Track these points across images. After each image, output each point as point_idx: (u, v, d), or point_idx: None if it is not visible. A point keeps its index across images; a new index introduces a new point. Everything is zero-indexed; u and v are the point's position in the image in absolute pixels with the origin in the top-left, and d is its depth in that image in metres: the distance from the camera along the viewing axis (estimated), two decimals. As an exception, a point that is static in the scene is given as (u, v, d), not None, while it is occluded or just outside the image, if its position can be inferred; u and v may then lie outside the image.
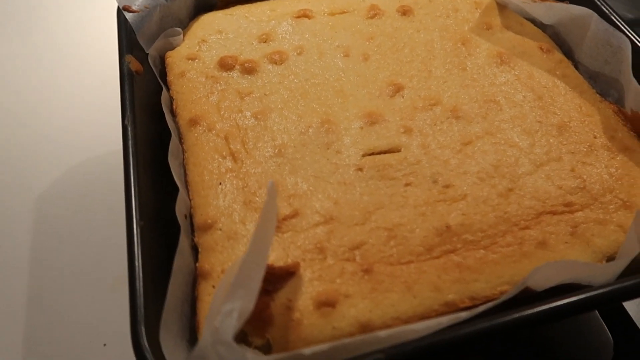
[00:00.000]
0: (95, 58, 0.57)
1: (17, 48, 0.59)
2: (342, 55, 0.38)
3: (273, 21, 0.40)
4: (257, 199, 0.30)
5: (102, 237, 0.44)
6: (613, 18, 0.35)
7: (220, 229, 0.29)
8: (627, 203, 0.29)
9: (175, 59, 0.38)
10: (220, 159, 0.32)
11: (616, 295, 0.25)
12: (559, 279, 0.25)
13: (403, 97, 0.35)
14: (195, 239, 0.29)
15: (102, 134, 0.51)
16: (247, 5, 0.42)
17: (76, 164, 0.49)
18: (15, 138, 0.51)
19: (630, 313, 0.34)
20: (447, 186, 0.31)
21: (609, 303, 0.25)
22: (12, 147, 0.50)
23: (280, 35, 0.39)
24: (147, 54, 0.38)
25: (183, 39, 0.40)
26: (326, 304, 0.26)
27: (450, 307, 0.26)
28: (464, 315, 0.24)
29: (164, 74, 0.38)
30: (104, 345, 0.37)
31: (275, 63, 0.37)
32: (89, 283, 0.41)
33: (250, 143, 0.33)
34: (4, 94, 0.55)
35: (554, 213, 0.29)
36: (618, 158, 0.31)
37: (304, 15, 0.40)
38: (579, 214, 0.29)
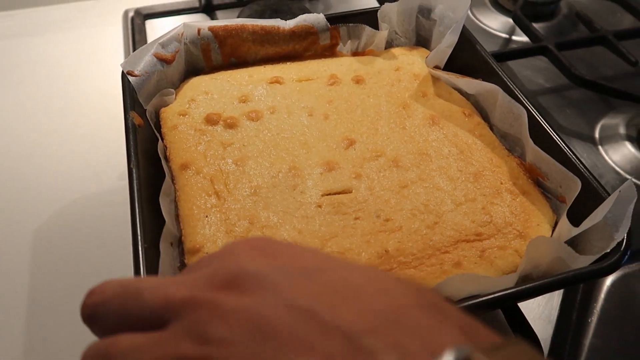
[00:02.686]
0: (95, 110, 0.64)
1: (25, 97, 0.65)
2: (307, 114, 0.46)
3: (251, 85, 0.49)
4: (236, 229, 0.38)
5: (96, 267, 0.49)
6: (515, 91, 0.45)
7: (206, 252, 0.36)
8: (522, 233, 0.38)
9: (169, 114, 0.46)
10: (206, 197, 0.40)
11: (511, 296, 0.33)
12: (467, 289, 0.33)
13: (355, 150, 0.44)
14: (185, 261, 0.37)
15: (95, 175, 0.57)
16: (229, 72, 0.50)
17: (71, 201, 0.55)
18: (17, 176, 0.57)
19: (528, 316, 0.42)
20: (387, 220, 0.39)
21: (504, 303, 0.33)
22: (13, 184, 0.56)
23: (256, 97, 0.48)
24: (145, 110, 0.46)
25: (175, 98, 0.47)
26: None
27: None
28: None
29: (158, 126, 0.46)
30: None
31: (252, 120, 0.46)
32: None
33: (231, 184, 0.41)
34: (11, 134, 0.61)
35: (467, 241, 0.38)
36: (518, 199, 0.41)
37: (276, 81, 0.49)
38: (486, 241, 0.38)
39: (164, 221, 0.38)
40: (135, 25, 0.71)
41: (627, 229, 0.34)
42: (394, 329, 0.18)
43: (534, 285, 0.33)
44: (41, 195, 0.55)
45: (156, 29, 0.72)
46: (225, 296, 0.19)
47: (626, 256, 0.34)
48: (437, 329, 0.18)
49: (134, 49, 0.65)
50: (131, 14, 0.73)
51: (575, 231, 0.36)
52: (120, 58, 0.47)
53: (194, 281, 0.20)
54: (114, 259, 0.49)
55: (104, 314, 0.21)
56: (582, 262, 0.34)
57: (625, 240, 0.34)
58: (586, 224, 0.36)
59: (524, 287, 0.33)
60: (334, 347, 0.17)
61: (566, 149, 0.40)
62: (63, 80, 0.68)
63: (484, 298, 0.32)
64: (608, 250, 0.34)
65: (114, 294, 0.21)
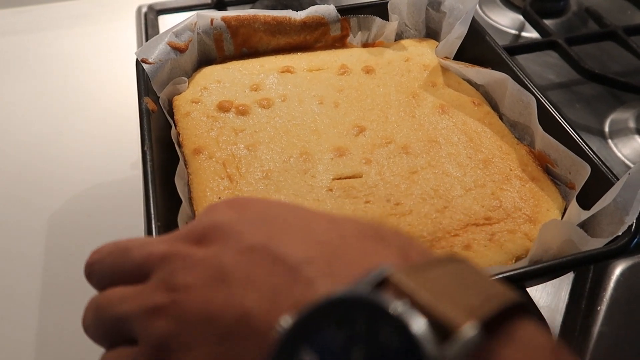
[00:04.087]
0: (109, 103, 0.65)
1: (41, 89, 0.67)
2: (317, 102, 0.47)
3: (262, 74, 0.49)
4: (248, 211, 0.38)
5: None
6: (524, 80, 0.45)
7: (219, 234, 0.37)
8: (532, 218, 0.38)
9: (182, 102, 0.47)
10: (219, 180, 0.40)
11: (521, 276, 0.33)
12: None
13: (365, 137, 0.44)
14: (198, 241, 0.37)
15: (108, 165, 0.58)
16: (241, 61, 0.51)
17: (85, 190, 0.56)
18: (33, 166, 0.58)
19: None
20: (397, 204, 0.39)
21: (515, 282, 0.33)
22: (28, 169, 0.57)
23: (267, 86, 0.48)
24: (158, 97, 0.46)
25: (188, 86, 0.48)
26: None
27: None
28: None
29: (171, 114, 0.47)
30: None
31: (264, 107, 0.46)
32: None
33: (243, 168, 0.41)
34: (27, 126, 0.62)
35: (477, 225, 0.38)
36: (527, 186, 0.41)
37: (287, 70, 0.50)
38: (496, 225, 0.38)
39: (176, 204, 0.38)
40: (149, 21, 0.73)
41: (638, 211, 0.34)
42: (331, 258, 0.19)
43: (544, 265, 0.33)
44: (56, 184, 0.56)
45: (169, 24, 0.72)
46: (196, 248, 0.21)
47: (636, 239, 0.34)
48: (371, 254, 0.20)
49: (147, 43, 0.66)
50: (144, 9, 0.75)
51: (585, 214, 0.36)
52: (133, 52, 0.48)
53: (173, 238, 0.22)
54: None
55: (100, 271, 0.24)
56: (593, 244, 0.34)
57: (635, 224, 0.34)
58: (596, 207, 0.36)
59: (535, 267, 0.33)
60: (278, 280, 0.19)
61: (575, 136, 0.40)
62: (77, 73, 0.69)
63: (498, 276, 0.32)
64: (619, 234, 0.34)
65: (107, 253, 0.24)
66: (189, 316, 0.19)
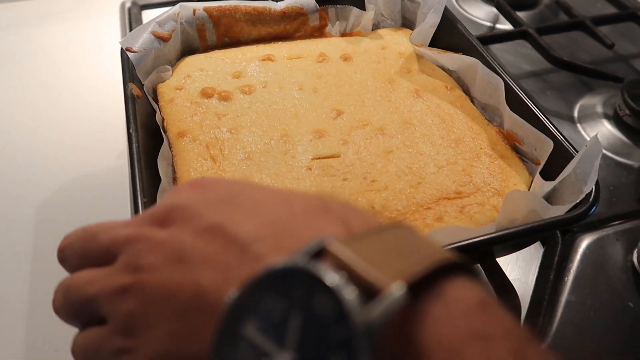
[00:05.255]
0: (94, 95, 0.66)
1: (26, 84, 0.68)
2: (297, 88, 0.49)
3: (244, 62, 0.51)
4: (231, 189, 0.40)
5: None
6: (492, 64, 0.47)
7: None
8: (500, 192, 0.41)
9: (166, 89, 0.48)
10: (202, 161, 0.42)
11: (488, 241, 0.35)
12: (448, 241, 0.35)
13: (343, 119, 0.46)
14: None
15: (95, 155, 0.59)
16: (223, 50, 0.53)
17: (72, 179, 0.57)
18: (20, 153, 0.59)
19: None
20: (373, 181, 0.41)
21: (482, 247, 0.35)
22: (16, 161, 0.58)
23: (249, 73, 0.50)
24: (143, 85, 0.48)
25: (172, 75, 0.50)
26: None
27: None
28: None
29: (156, 100, 0.48)
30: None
31: (245, 93, 0.48)
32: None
33: (226, 150, 0.43)
34: (14, 119, 0.63)
35: (448, 198, 0.40)
36: (496, 162, 0.43)
37: (268, 58, 0.52)
38: (466, 199, 0.40)
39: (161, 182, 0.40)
40: (132, 16, 0.74)
41: (595, 181, 0.37)
42: (280, 234, 0.20)
43: (509, 231, 0.35)
44: (44, 174, 0.57)
45: (152, 19, 0.75)
46: (158, 230, 0.22)
47: (595, 207, 0.36)
48: (317, 226, 0.21)
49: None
50: (128, 5, 0.76)
51: (548, 186, 0.38)
52: (117, 47, 0.50)
53: (138, 220, 0.24)
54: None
55: (70, 255, 0.25)
56: (555, 212, 0.36)
57: (593, 192, 0.37)
58: (558, 179, 0.38)
59: (500, 233, 0.35)
60: (231, 258, 0.20)
61: (539, 114, 0.43)
62: (62, 68, 0.70)
63: (463, 243, 0.34)
64: (578, 201, 0.36)
65: (77, 238, 0.25)
66: (151, 295, 0.20)
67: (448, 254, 0.19)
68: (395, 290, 0.16)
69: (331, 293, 0.16)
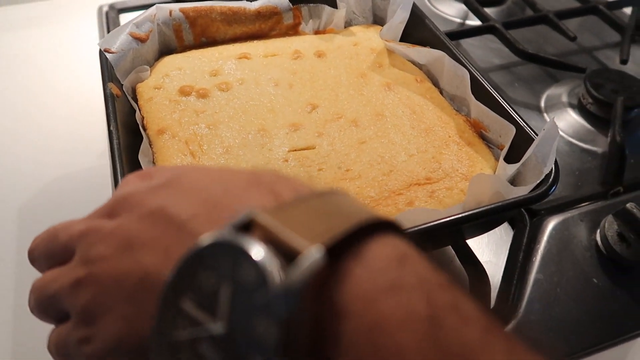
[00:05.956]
0: (73, 98, 0.67)
1: (4, 87, 0.68)
2: (273, 85, 0.51)
3: (220, 61, 0.53)
4: (210, 182, 0.42)
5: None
6: (458, 56, 0.50)
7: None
8: (467, 176, 0.43)
9: (145, 89, 0.50)
10: (182, 156, 0.43)
11: (456, 221, 0.37)
12: (419, 222, 0.37)
13: (317, 113, 0.48)
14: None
15: (76, 156, 0.60)
16: (200, 50, 0.54)
17: (54, 179, 0.58)
18: (1, 155, 0.59)
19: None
20: (347, 170, 0.43)
21: (450, 227, 0.37)
22: (-1, 166, 0.59)
23: (226, 71, 0.52)
24: (122, 85, 0.49)
25: (150, 74, 0.51)
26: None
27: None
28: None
29: (135, 100, 0.49)
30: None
31: (223, 90, 0.50)
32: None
33: (205, 145, 0.44)
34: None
35: (419, 184, 0.42)
36: (464, 149, 0.45)
37: (244, 56, 0.53)
38: (435, 184, 0.42)
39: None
40: (110, 19, 0.75)
41: (553, 162, 0.39)
42: (214, 210, 0.21)
43: (475, 211, 0.37)
44: (26, 175, 0.58)
45: (130, 22, 0.76)
46: (107, 221, 0.23)
47: (555, 186, 0.39)
48: (247, 199, 0.21)
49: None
50: (105, 8, 0.76)
51: (511, 169, 0.41)
52: (96, 50, 0.51)
53: (91, 215, 0.25)
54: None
55: (38, 256, 0.26)
56: (517, 192, 0.39)
57: (553, 172, 0.39)
58: (520, 162, 0.40)
59: (466, 213, 0.37)
60: (170, 238, 0.21)
61: (503, 102, 0.45)
62: (42, 71, 0.71)
63: (433, 223, 0.36)
64: (538, 182, 0.39)
65: (41, 239, 0.26)
66: (104, 284, 0.21)
67: (373, 214, 0.20)
68: (313, 253, 0.17)
69: (254, 262, 0.17)
